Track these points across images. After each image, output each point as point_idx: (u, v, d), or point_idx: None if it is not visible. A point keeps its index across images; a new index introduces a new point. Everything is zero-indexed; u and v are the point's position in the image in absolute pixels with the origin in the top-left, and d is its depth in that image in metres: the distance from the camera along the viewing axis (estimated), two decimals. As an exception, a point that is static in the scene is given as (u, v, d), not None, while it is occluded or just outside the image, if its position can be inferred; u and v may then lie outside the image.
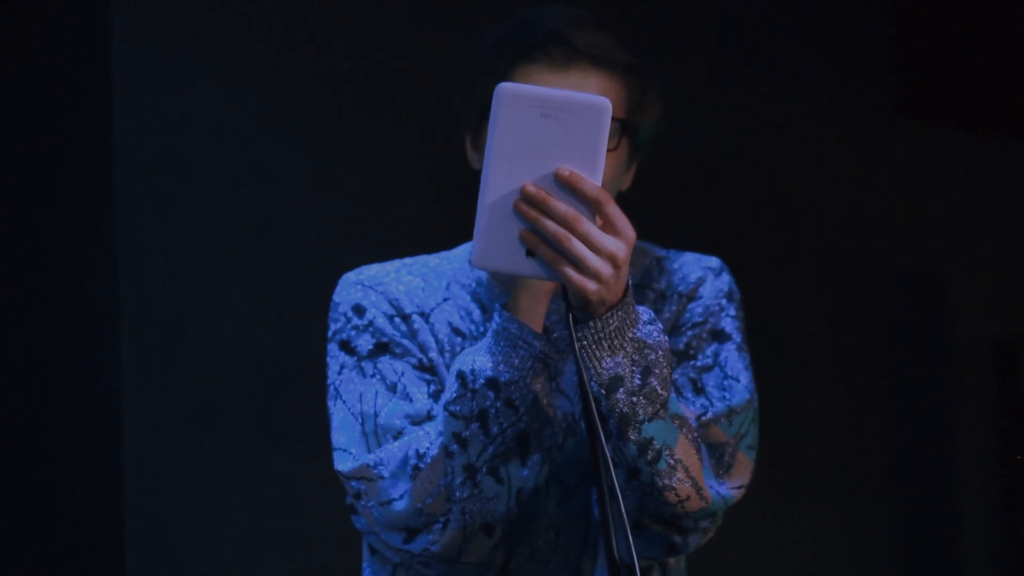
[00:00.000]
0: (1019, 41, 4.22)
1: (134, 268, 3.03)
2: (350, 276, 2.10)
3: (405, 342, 2.04)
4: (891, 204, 4.15)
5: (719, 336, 2.08)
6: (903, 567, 4.14)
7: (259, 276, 3.15)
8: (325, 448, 3.09)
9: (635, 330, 1.83)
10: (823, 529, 4.01)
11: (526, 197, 1.70)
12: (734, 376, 2.05)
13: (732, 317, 2.09)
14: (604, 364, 1.82)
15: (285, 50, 3.20)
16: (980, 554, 4.24)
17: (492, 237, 1.72)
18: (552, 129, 1.70)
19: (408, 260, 2.13)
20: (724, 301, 2.10)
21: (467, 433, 1.90)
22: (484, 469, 1.91)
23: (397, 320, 2.05)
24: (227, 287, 3.12)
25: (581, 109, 1.70)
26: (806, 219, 4.01)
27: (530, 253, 1.73)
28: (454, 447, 1.91)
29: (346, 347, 2.05)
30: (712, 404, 2.03)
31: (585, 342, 1.80)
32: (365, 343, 2.04)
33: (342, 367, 2.04)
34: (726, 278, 2.12)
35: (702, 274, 2.11)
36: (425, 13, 3.37)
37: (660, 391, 1.86)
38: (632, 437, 1.86)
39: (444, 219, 3.27)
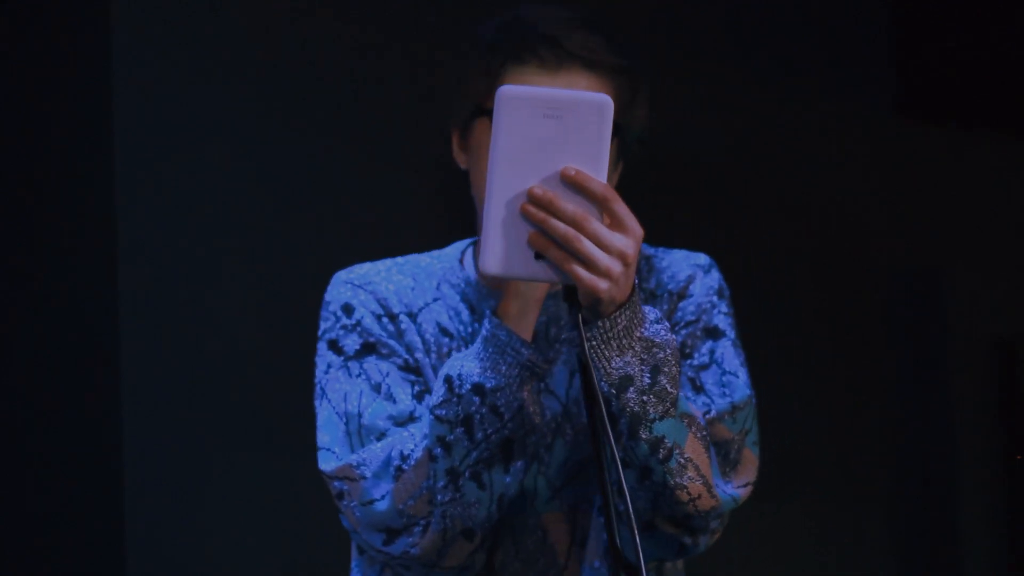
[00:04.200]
0: (1019, 41, 4.22)
1: (134, 268, 3.03)
2: (341, 275, 2.10)
3: (392, 342, 2.03)
4: (891, 204, 4.14)
5: (713, 333, 2.06)
6: (903, 567, 4.14)
7: (259, 276, 3.15)
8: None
9: (643, 329, 1.82)
10: (823, 529, 4.00)
11: (533, 199, 1.70)
12: (732, 372, 2.04)
13: (724, 314, 2.08)
14: (614, 364, 1.81)
15: (285, 50, 3.20)
16: (980, 554, 4.24)
17: (500, 242, 1.71)
18: (555, 129, 1.69)
19: (400, 259, 2.12)
20: (715, 298, 2.08)
21: (451, 437, 1.89)
22: (467, 474, 1.90)
23: (385, 320, 2.04)
24: (227, 287, 3.12)
25: (583, 107, 1.69)
26: (805, 219, 4.00)
27: (539, 256, 1.72)
28: (438, 451, 1.90)
29: (334, 346, 2.04)
30: (713, 402, 2.02)
31: (594, 342, 1.80)
32: (352, 343, 2.03)
33: (329, 366, 2.04)
34: (715, 275, 2.11)
35: (691, 272, 2.09)
36: (425, 13, 3.37)
37: (670, 389, 1.85)
38: (643, 436, 1.86)
39: (444, 219, 3.27)
